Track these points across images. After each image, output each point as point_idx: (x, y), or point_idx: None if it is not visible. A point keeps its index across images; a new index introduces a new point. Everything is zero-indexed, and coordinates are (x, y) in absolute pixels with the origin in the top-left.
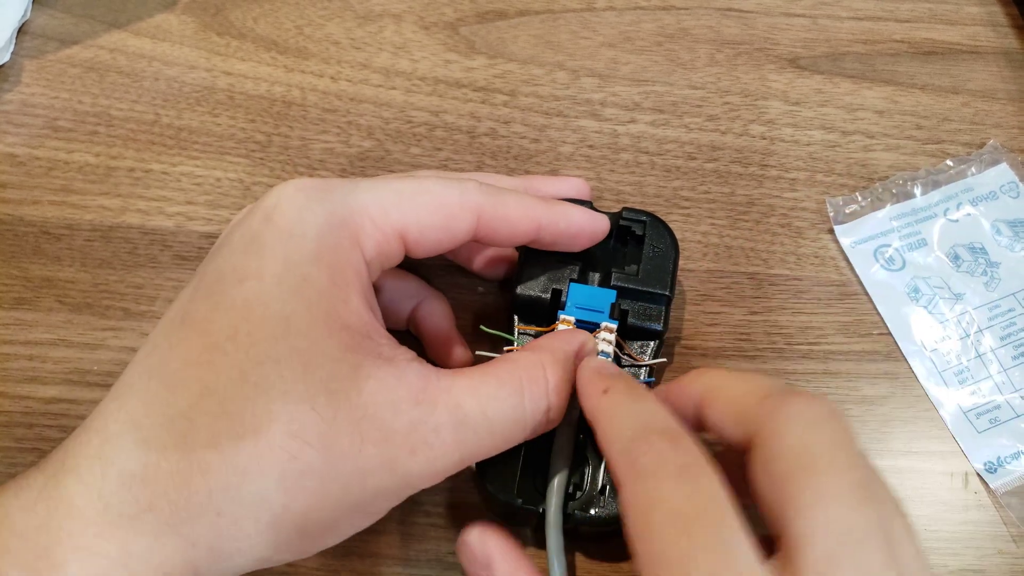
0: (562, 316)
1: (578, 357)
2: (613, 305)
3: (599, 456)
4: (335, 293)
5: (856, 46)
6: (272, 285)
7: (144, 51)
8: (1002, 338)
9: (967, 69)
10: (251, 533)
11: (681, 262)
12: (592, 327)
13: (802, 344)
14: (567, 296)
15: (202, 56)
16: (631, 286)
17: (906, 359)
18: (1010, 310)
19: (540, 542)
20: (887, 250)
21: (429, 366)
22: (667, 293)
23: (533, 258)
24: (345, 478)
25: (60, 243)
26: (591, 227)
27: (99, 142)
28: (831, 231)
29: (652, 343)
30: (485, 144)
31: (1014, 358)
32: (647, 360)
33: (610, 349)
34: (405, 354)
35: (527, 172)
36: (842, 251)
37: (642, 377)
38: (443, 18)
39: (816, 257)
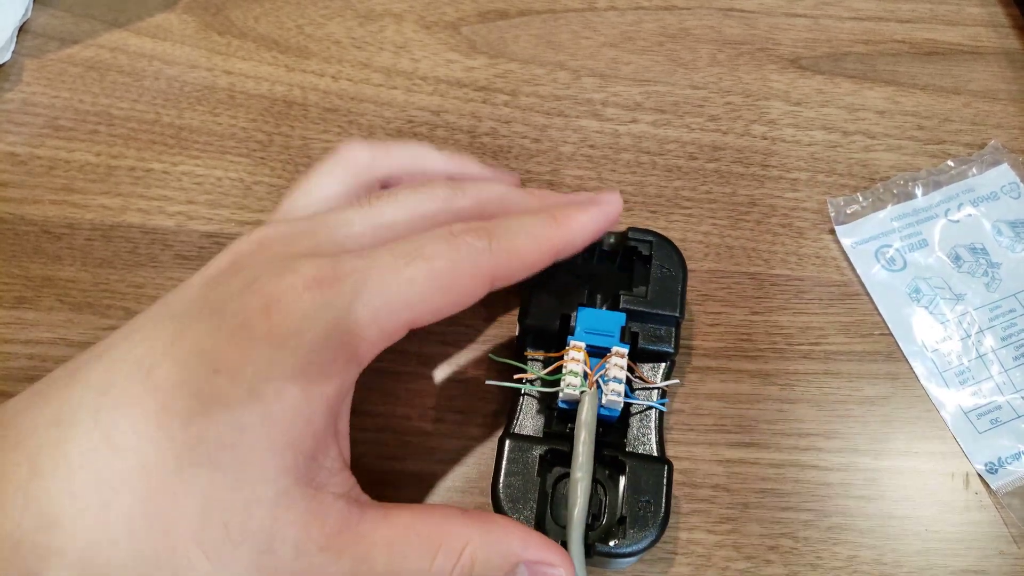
0: (572, 342)
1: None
2: (623, 328)
3: (615, 483)
4: (300, 411)
5: (857, 46)
6: (242, 391)
7: (145, 50)
8: (1003, 339)
9: (968, 70)
10: None
11: None
12: (603, 351)
13: (803, 344)
14: (576, 321)
15: (203, 55)
16: (641, 308)
17: (907, 359)
18: (1011, 311)
19: None
20: (888, 250)
21: (357, 504)
22: (677, 315)
23: (539, 285)
24: None
25: (61, 242)
26: (606, 221)
27: (100, 141)
28: (832, 231)
29: (663, 364)
30: (486, 144)
31: (1015, 359)
32: (659, 382)
33: (622, 374)
34: (340, 485)
35: (528, 172)
36: (843, 251)
37: (654, 399)
38: (444, 18)
39: (817, 257)
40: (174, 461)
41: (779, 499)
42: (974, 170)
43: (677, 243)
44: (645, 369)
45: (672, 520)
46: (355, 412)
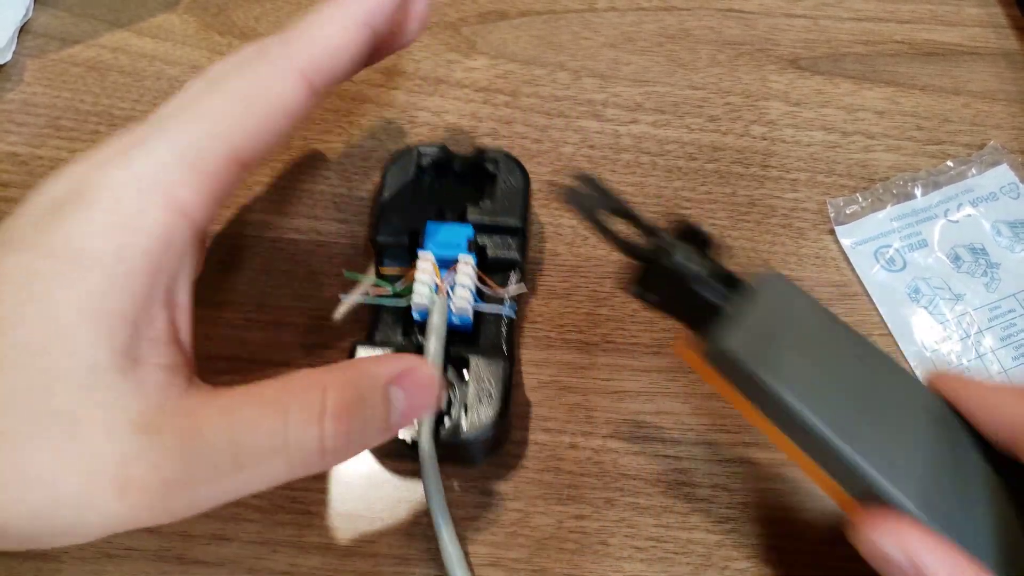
0: (421, 253)
1: (409, 383)
2: (471, 241)
3: (461, 378)
4: (114, 275)
5: (857, 47)
6: (48, 256)
7: (146, 51)
8: (1002, 339)
9: (968, 70)
10: None
11: None
12: (451, 262)
13: None
14: (424, 235)
15: (204, 56)
16: (486, 220)
17: (907, 360)
18: (1010, 311)
19: (415, 472)
20: (888, 251)
21: (183, 379)
22: (520, 224)
23: (389, 203)
24: (34, 504)
25: None
26: None
27: (101, 141)
28: (832, 232)
29: (513, 274)
30: (487, 144)
31: (1014, 359)
32: (508, 291)
33: (469, 282)
34: (163, 356)
35: (528, 172)
36: (843, 252)
37: (505, 306)
38: (445, 18)
39: (817, 258)
40: None
41: (779, 498)
42: (973, 170)
43: None
44: (496, 279)
45: (672, 520)
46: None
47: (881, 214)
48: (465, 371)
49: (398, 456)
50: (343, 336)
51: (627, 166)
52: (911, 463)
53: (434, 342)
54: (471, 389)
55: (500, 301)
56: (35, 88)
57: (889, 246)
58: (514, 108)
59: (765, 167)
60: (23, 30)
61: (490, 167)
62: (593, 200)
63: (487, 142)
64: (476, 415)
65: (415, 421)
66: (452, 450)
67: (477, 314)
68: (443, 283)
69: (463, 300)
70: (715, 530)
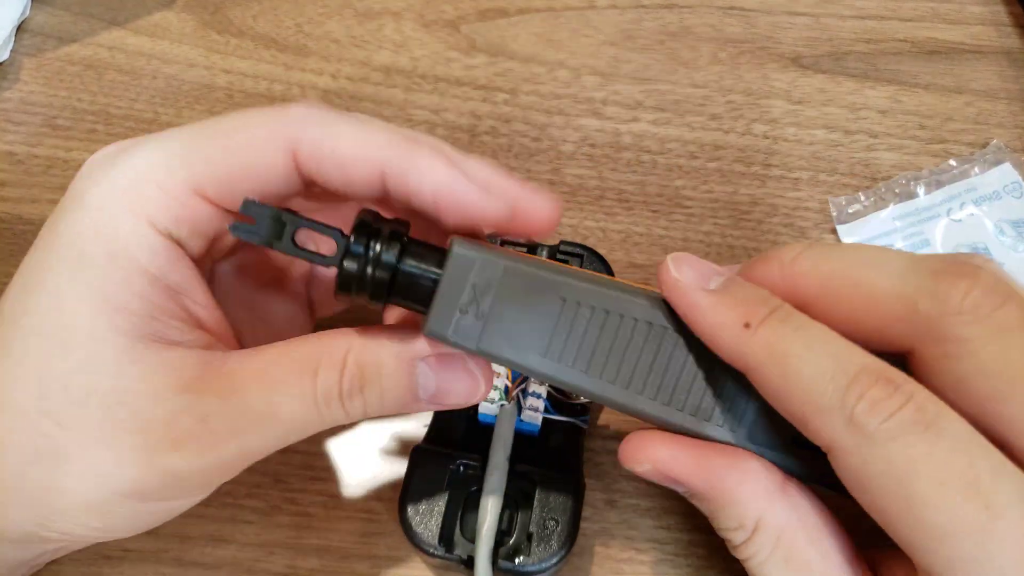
0: None
1: (441, 365)
2: None
3: (528, 499)
4: (111, 272)
5: (859, 45)
6: (55, 261)
7: (143, 49)
8: None
9: (970, 69)
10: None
11: None
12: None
13: None
14: None
15: (201, 54)
16: None
17: None
18: None
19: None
20: None
21: (222, 351)
22: None
23: None
24: (96, 466)
25: None
26: (469, 202)
27: (98, 140)
28: (834, 231)
29: None
30: (486, 143)
31: None
32: (581, 399)
33: (542, 389)
34: (198, 339)
35: (528, 171)
36: None
37: (577, 414)
38: (443, 16)
39: None
40: None
41: None
42: (976, 169)
43: (678, 243)
44: None
45: (674, 521)
46: None
47: (883, 213)
48: (531, 489)
49: (450, 567)
50: (404, 427)
51: (628, 165)
52: (647, 375)
53: (499, 454)
54: (536, 513)
55: (573, 409)
56: (32, 87)
57: (891, 245)
58: (513, 106)
59: (767, 166)
60: (20, 28)
61: (574, 263)
62: (266, 225)
63: (486, 140)
64: (541, 546)
65: (480, 537)
66: (508, 574)
67: (547, 420)
68: (514, 388)
69: (533, 410)
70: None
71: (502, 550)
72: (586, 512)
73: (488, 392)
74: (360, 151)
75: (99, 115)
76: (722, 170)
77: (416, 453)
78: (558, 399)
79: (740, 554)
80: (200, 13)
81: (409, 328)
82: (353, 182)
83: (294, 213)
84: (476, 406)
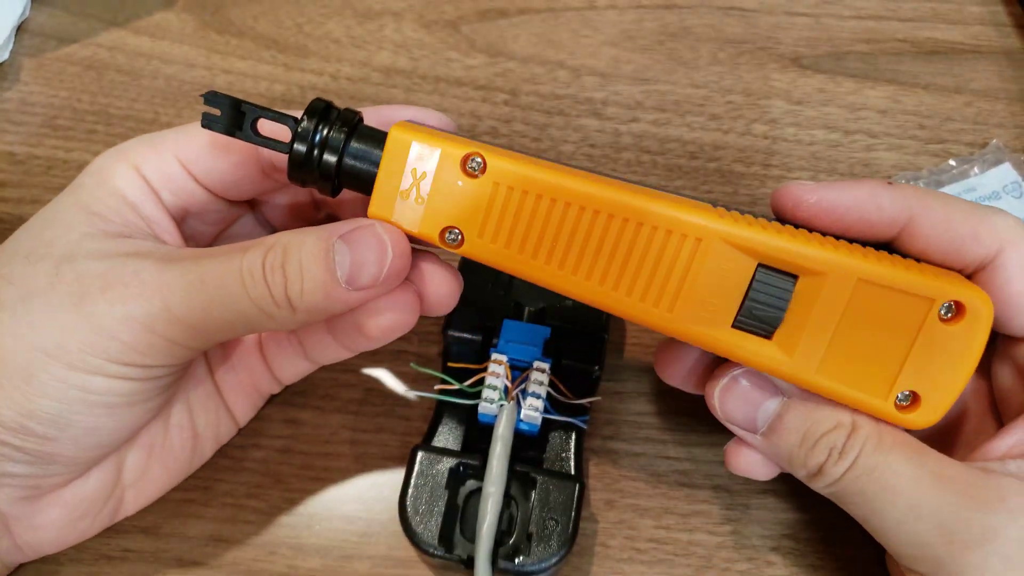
0: (494, 355)
1: (356, 238)
2: (547, 342)
3: (527, 498)
4: (98, 194)
5: (859, 45)
6: (57, 198)
7: (143, 49)
8: None
9: (970, 69)
10: None
11: None
12: (526, 365)
13: None
14: (500, 334)
15: (201, 54)
16: (566, 324)
17: None
18: None
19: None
20: None
21: (176, 248)
22: (603, 332)
23: (466, 295)
24: (34, 314)
25: None
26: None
27: (98, 140)
28: None
29: (587, 381)
30: (486, 143)
31: None
32: (581, 399)
33: (542, 389)
34: (158, 244)
35: None
36: None
37: (577, 414)
38: (443, 16)
39: None
40: None
41: (781, 500)
42: (976, 169)
43: None
44: (569, 384)
45: (673, 521)
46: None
47: None
48: (532, 492)
49: (450, 567)
50: (399, 427)
51: (628, 165)
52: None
53: (499, 453)
54: (536, 513)
55: (573, 408)
56: (32, 87)
57: None
58: (513, 106)
59: (767, 166)
60: (20, 29)
61: None
62: (227, 114)
63: (486, 140)
64: (540, 546)
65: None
66: (508, 574)
67: (546, 420)
68: (514, 388)
69: (533, 409)
70: (716, 532)
71: (502, 550)
72: (586, 512)
73: (405, 269)
74: None
75: (99, 115)
76: (722, 170)
77: (415, 453)
78: (558, 399)
79: (837, 466)
80: (200, 13)
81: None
82: None
83: (252, 104)
84: (476, 407)
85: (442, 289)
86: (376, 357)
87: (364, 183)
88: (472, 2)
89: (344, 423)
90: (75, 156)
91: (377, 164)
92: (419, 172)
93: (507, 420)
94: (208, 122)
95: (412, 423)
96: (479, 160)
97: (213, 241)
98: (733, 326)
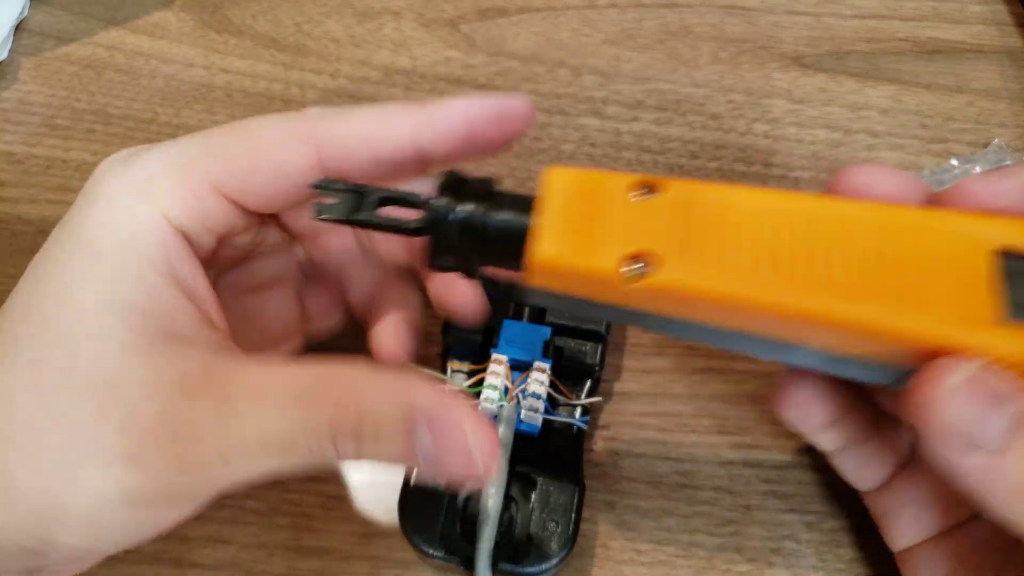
0: (494, 355)
1: (442, 436)
2: (547, 343)
3: (528, 500)
4: (122, 264)
5: (860, 44)
6: (66, 254)
7: (142, 48)
8: None
9: (971, 68)
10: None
11: None
12: (526, 365)
13: None
14: (500, 333)
15: (200, 53)
16: (567, 323)
17: None
18: None
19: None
20: None
21: (231, 353)
22: (603, 331)
23: None
24: (82, 466)
25: None
26: (496, 112)
27: (96, 140)
28: None
29: (587, 381)
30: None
31: None
32: (582, 399)
33: (542, 390)
34: (207, 337)
35: (528, 171)
36: None
37: (577, 415)
38: (443, 15)
39: None
40: (9, 334)
41: (782, 501)
42: (977, 169)
43: None
44: (570, 384)
45: (674, 523)
46: None
47: None
48: (532, 494)
49: (450, 569)
50: None
51: (628, 164)
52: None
53: (498, 455)
54: (536, 514)
55: (573, 409)
56: (31, 86)
57: None
58: None
59: (768, 165)
60: (19, 28)
61: None
62: (347, 201)
63: None
64: (541, 548)
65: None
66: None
67: (547, 420)
68: (514, 388)
69: (533, 410)
70: (717, 533)
71: (502, 552)
72: (586, 513)
73: (490, 478)
74: (382, 129)
75: (98, 115)
76: (723, 170)
77: None
78: (558, 400)
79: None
80: (199, 12)
81: (399, 381)
82: (383, 159)
83: (373, 187)
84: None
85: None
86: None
87: (513, 249)
88: (472, 1)
89: None
90: (74, 155)
91: (527, 219)
92: (583, 210)
93: (507, 421)
94: (321, 211)
95: None
96: (649, 185)
97: (238, 260)
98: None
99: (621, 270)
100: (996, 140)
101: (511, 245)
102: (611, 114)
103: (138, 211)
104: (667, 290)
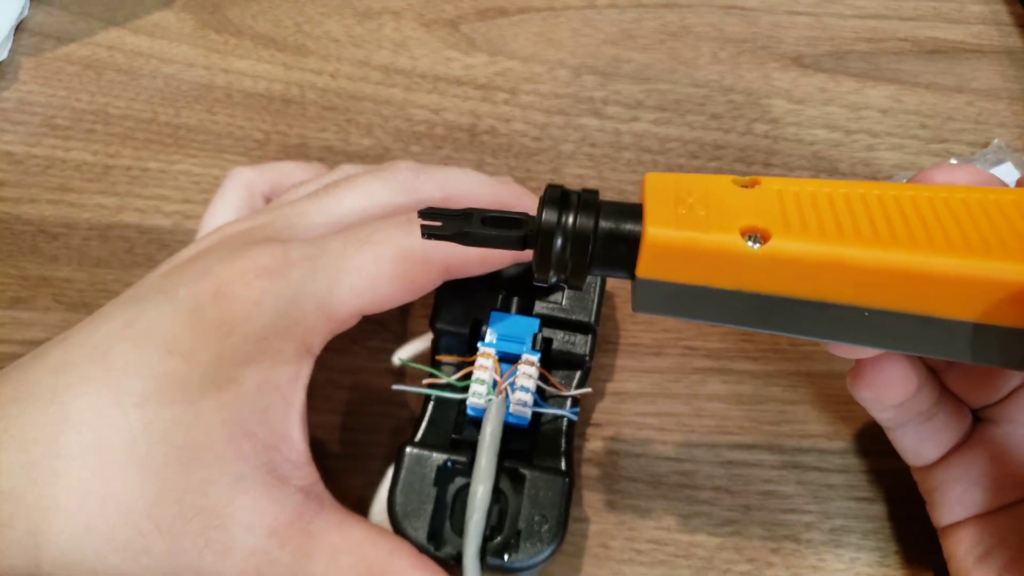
0: (482, 348)
1: None
2: (536, 335)
3: (517, 494)
4: (254, 401)
5: (860, 44)
6: (196, 375)
7: (142, 48)
8: None
9: (971, 68)
10: None
11: None
12: (515, 357)
13: (805, 345)
14: (488, 326)
15: (200, 53)
16: (555, 315)
17: None
18: None
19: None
20: None
21: (317, 500)
22: (592, 322)
23: (452, 288)
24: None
25: (57, 242)
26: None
27: (96, 140)
28: None
29: (577, 373)
30: (485, 142)
31: None
32: (571, 391)
33: (531, 383)
34: (302, 478)
35: (528, 170)
36: None
37: (567, 406)
38: (443, 15)
39: None
40: (129, 439)
41: (781, 501)
42: None
43: None
44: (560, 376)
45: (673, 522)
46: None
47: None
48: (520, 484)
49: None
50: (388, 423)
51: (628, 164)
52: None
53: (487, 449)
54: (525, 509)
55: (562, 401)
56: (31, 87)
57: None
58: (513, 106)
59: (768, 165)
60: (19, 28)
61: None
62: (452, 222)
63: (486, 140)
64: (530, 541)
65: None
66: (497, 570)
67: (536, 413)
68: (503, 381)
69: (522, 403)
70: (717, 533)
71: (490, 546)
72: (586, 513)
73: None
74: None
75: (98, 115)
76: (723, 170)
77: (403, 450)
78: (547, 391)
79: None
80: (199, 12)
81: None
82: (493, 267)
83: (479, 210)
84: (464, 401)
85: None
86: (364, 353)
87: (624, 252)
88: (472, 1)
89: (333, 421)
90: (73, 155)
91: (637, 221)
92: (688, 200)
93: (495, 415)
94: (431, 233)
95: (401, 419)
96: (742, 182)
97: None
98: None
99: (744, 239)
100: (996, 140)
101: (622, 248)
102: (611, 114)
103: (286, 355)
104: (787, 257)
